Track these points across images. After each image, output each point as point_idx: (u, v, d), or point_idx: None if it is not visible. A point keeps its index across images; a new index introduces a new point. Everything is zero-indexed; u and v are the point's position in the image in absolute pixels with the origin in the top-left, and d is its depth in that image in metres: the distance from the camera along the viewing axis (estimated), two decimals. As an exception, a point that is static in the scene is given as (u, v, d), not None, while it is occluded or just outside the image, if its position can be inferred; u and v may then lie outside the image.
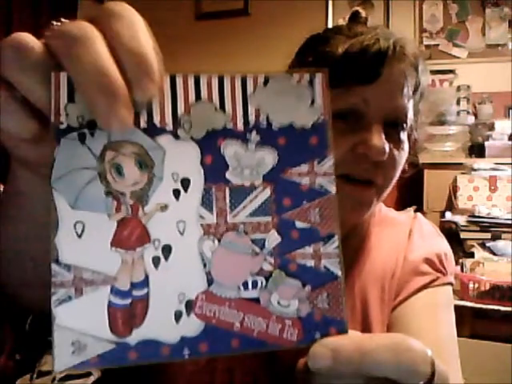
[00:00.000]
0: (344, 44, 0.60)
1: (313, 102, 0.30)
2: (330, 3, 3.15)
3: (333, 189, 0.29)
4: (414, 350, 0.30)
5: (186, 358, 0.27)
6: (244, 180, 0.29)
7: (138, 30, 0.27)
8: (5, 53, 0.26)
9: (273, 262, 0.29)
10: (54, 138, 0.26)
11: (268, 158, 0.29)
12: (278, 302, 0.28)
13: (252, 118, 0.29)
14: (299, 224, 0.29)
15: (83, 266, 0.26)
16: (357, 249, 0.67)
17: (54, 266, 0.26)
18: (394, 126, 0.60)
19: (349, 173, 0.59)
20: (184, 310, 0.27)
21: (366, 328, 0.62)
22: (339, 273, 0.29)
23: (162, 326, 0.27)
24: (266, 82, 0.29)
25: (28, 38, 0.26)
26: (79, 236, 0.27)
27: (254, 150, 0.29)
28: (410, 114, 0.62)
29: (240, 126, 0.29)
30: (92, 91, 0.25)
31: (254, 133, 0.29)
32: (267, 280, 0.28)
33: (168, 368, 0.61)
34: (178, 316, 0.27)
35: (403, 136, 0.61)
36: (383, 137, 0.58)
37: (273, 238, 0.29)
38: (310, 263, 0.29)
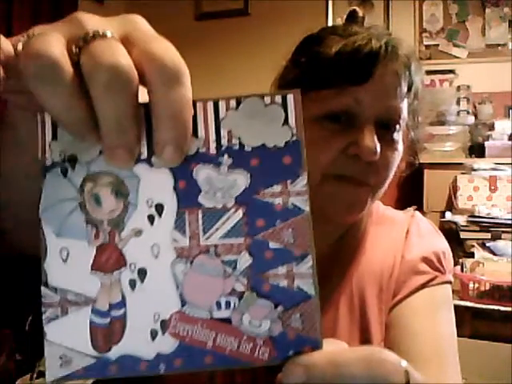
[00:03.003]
0: (337, 44, 0.60)
1: (285, 121, 0.30)
2: (330, 3, 3.16)
3: (306, 208, 0.29)
4: (386, 361, 0.30)
5: (162, 372, 0.29)
6: (216, 203, 0.29)
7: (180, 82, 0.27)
8: (32, 68, 0.25)
9: (245, 282, 0.29)
10: (40, 174, 0.29)
11: (240, 179, 0.30)
12: (250, 322, 0.29)
13: (224, 142, 0.30)
14: (272, 244, 0.29)
15: (68, 289, 0.29)
16: (354, 248, 0.67)
17: (43, 289, 0.29)
18: (386, 126, 0.60)
19: (342, 173, 0.59)
20: (159, 329, 0.29)
21: (364, 328, 0.62)
22: (313, 293, 0.29)
23: (139, 343, 0.29)
24: (237, 104, 0.30)
25: (58, 54, 0.25)
26: (64, 261, 0.29)
27: (226, 173, 0.30)
28: (404, 115, 0.62)
29: (212, 149, 0.30)
30: (108, 134, 0.26)
31: (226, 156, 0.30)
32: (239, 301, 0.29)
33: None
34: (153, 334, 0.29)
35: (397, 136, 0.61)
36: (375, 137, 0.58)
37: (244, 259, 0.29)
38: (283, 283, 0.29)
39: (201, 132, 0.30)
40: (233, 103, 0.30)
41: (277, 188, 0.30)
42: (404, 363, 0.31)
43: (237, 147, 0.30)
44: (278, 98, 0.30)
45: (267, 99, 0.30)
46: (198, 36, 3.37)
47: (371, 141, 0.57)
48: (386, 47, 0.59)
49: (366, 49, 0.58)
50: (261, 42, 3.19)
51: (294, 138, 0.30)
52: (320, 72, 0.60)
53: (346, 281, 0.64)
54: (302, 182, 0.30)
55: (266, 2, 3.23)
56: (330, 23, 3.08)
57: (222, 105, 0.30)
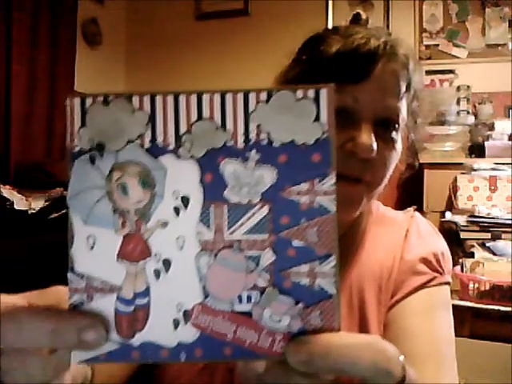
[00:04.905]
0: (337, 44, 0.60)
1: (317, 117, 0.29)
2: (330, 3, 3.15)
3: (333, 208, 0.30)
4: (388, 351, 0.31)
5: (183, 361, 0.30)
6: (242, 198, 0.30)
7: None
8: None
9: (267, 278, 0.30)
10: (69, 160, 0.29)
11: (267, 176, 0.29)
12: (270, 317, 0.30)
13: (253, 136, 0.29)
14: (296, 242, 0.30)
15: (94, 276, 0.30)
16: (354, 248, 0.67)
17: (69, 275, 0.30)
18: (385, 125, 0.61)
19: (338, 170, 0.59)
20: (181, 319, 0.30)
21: (363, 328, 0.62)
22: (334, 292, 0.30)
23: (162, 331, 0.30)
24: (268, 97, 0.29)
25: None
26: (91, 249, 0.30)
27: (253, 168, 0.29)
28: (403, 114, 0.62)
29: (240, 143, 0.29)
30: None
31: (253, 151, 0.29)
32: (261, 295, 0.30)
33: (169, 368, 0.61)
34: (176, 323, 0.30)
35: (395, 136, 0.62)
36: (372, 135, 0.58)
37: (268, 256, 0.30)
38: (305, 281, 0.30)
39: (229, 125, 0.29)
40: (263, 96, 0.29)
41: (304, 186, 0.29)
42: (402, 357, 0.32)
43: (265, 142, 0.29)
44: (311, 93, 0.29)
45: (299, 93, 0.29)
46: (198, 36, 3.37)
47: (367, 138, 0.57)
48: (384, 46, 0.60)
49: (365, 48, 0.59)
50: (261, 42, 3.19)
51: (325, 136, 0.30)
52: (320, 70, 0.61)
53: (345, 280, 0.64)
54: (329, 182, 0.30)
55: (266, 2, 3.23)
56: (330, 23, 3.08)
57: (252, 97, 0.29)
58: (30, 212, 2.06)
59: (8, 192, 2.11)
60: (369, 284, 0.64)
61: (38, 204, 2.10)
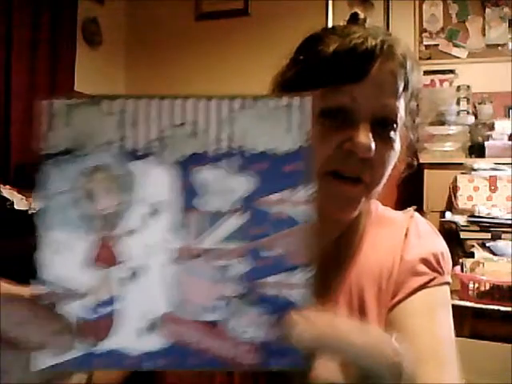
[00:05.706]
0: (335, 43, 0.60)
1: (294, 126, 0.28)
2: (330, 3, 3.15)
3: (308, 218, 0.28)
4: (385, 342, 0.32)
5: (146, 369, 0.29)
6: (213, 207, 0.29)
7: None
8: None
9: (235, 288, 0.29)
10: (38, 164, 0.29)
11: (240, 185, 0.28)
12: (237, 327, 0.29)
13: (225, 144, 0.28)
14: (268, 252, 0.29)
15: (57, 282, 0.29)
16: (353, 249, 0.67)
17: (34, 280, 0.29)
18: (383, 124, 0.60)
19: (336, 169, 0.59)
20: (147, 328, 0.29)
21: None
22: (303, 303, 0.29)
23: (126, 339, 0.29)
24: (243, 104, 0.28)
25: None
26: (56, 255, 0.29)
27: (225, 177, 0.28)
28: (401, 114, 0.62)
29: (212, 151, 0.28)
30: None
31: (226, 159, 0.28)
32: (228, 305, 0.29)
33: (167, 372, 0.61)
34: (141, 332, 0.29)
35: (393, 135, 0.62)
36: (370, 135, 0.58)
37: (238, 266, 0.29)
38: (273, 292, 0.29)
39: (201, 132, 0.28)
40: (238, 103, 0.28)
41: (278, 196, 0.28)
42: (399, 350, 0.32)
43: (238, 151, 0.28)
44: (288, 101, 0.28)
45: (275, 101, 0.28)
46: (197, 36, 3.37)
47: (366, 137, 0.57)
48: (381, 46, 0.60)
49: (362, 47, 0.59)
50: (261, 42, 3.19)
51: (303, 145, 0.28)
52: (317, 70, 0.61)
53: (344, 281, 0.64)
54: (306, 192, 0.28)
55: (265, 2, 3.22)
56: (330, 23, 3.08)
57: (225, 104, 0.28)
58: (30, 212, 2.06)
59: (8, 192, 2.11)
60: (368, 284, 0.64)
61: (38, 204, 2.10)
